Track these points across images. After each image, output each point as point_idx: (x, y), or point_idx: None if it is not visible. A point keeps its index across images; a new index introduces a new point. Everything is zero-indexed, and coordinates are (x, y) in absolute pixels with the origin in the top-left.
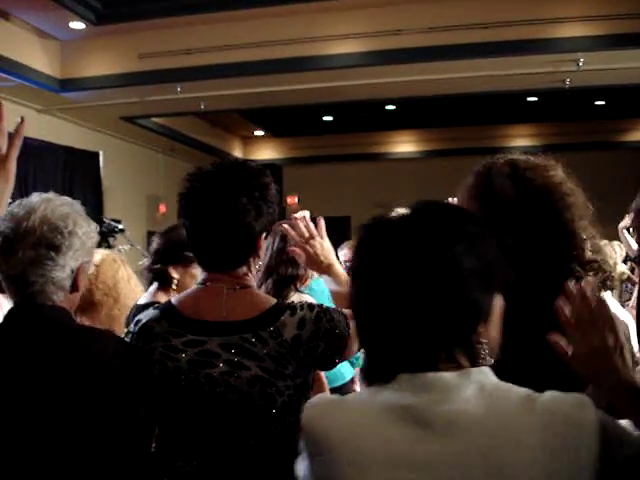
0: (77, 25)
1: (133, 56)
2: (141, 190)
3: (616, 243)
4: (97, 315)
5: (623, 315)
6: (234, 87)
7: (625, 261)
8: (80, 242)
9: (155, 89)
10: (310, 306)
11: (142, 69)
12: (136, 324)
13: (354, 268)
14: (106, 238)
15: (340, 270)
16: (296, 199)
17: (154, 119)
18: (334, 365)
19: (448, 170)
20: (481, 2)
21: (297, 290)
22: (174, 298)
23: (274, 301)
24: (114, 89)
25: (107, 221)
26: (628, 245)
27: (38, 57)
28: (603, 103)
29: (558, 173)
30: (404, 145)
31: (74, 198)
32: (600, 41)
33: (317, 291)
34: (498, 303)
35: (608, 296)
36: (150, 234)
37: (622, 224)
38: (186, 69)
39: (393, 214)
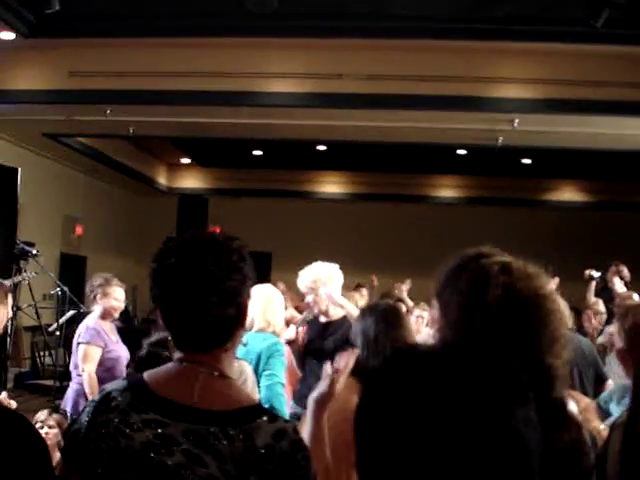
0: (6, 35)
1: (63, 73)
2: (58, 210)
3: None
4: None
5: None
6: (166, 115)
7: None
8: None
9: (83, 109)
10: (295, 429)
11: (72, 87)
12: (100, 392)
13: (369, 420)
14: (17, 261)
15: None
16: (219, 231)
17: (79, 139)
18: None
19: (372, 214)
20: (424, 55)
21: None
22: (147, 372)
23: (254, 401)
24: (40, 105)
25: (20, 244)
26: None
27: None
28: (529, 162)
29: (545, 284)
30: (331, 186)
31: None
32: (535, 104)
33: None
34: None
35: None
36: (64, 256)
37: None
38: (118, 92)
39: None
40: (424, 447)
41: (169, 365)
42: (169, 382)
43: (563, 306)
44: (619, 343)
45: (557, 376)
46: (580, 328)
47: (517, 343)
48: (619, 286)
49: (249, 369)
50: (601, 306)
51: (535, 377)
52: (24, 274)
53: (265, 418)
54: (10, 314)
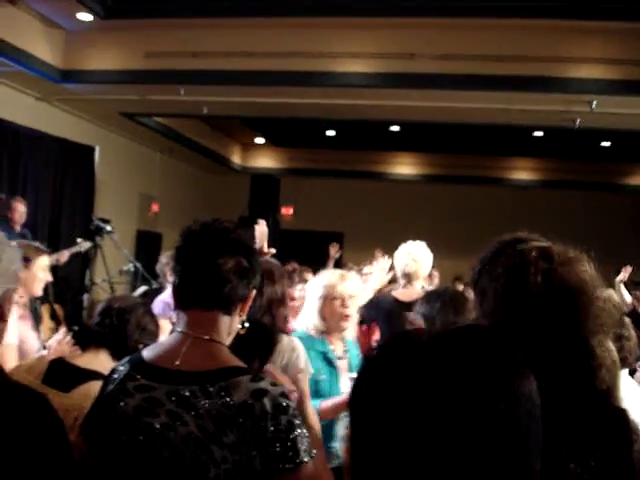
0: (84, 17)
1: (139, 53)
2: (134, 188)
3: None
4: None
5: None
6: (239, 94)
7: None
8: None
9: (158, 89)
10: (283, 393)
11: (147, 67)
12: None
13: (363, 406)
14: (93, 237)
15: None
16: (291, 210)
17: (155, 118)
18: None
19: (445, 196)
20: (498, 34)
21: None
22: (148, 347)
23: (239, 363)
24: (116, 85)
25: (95, 221)
26: (623, 299)
27: (41, 45)
28: (609, 145)
29: (589, 270)
30: (404, 167)
31: (65, 192)
32: (615, 85)
33: None
34: None
35: (624, 375)
36: (140, 233)
37: (619, 277)
38: (192, 72)
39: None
40: (417, 432)
41: (168, 336)
42: (160, 350)
43: (608, 292)
44: None
45: (601, 365)
46: None
47: (558, 331)
48: None
49: (301, 346)
50: None
51: (578, 365)
52: (80, 243)
53: (247, 377)
54: (49, 278)
